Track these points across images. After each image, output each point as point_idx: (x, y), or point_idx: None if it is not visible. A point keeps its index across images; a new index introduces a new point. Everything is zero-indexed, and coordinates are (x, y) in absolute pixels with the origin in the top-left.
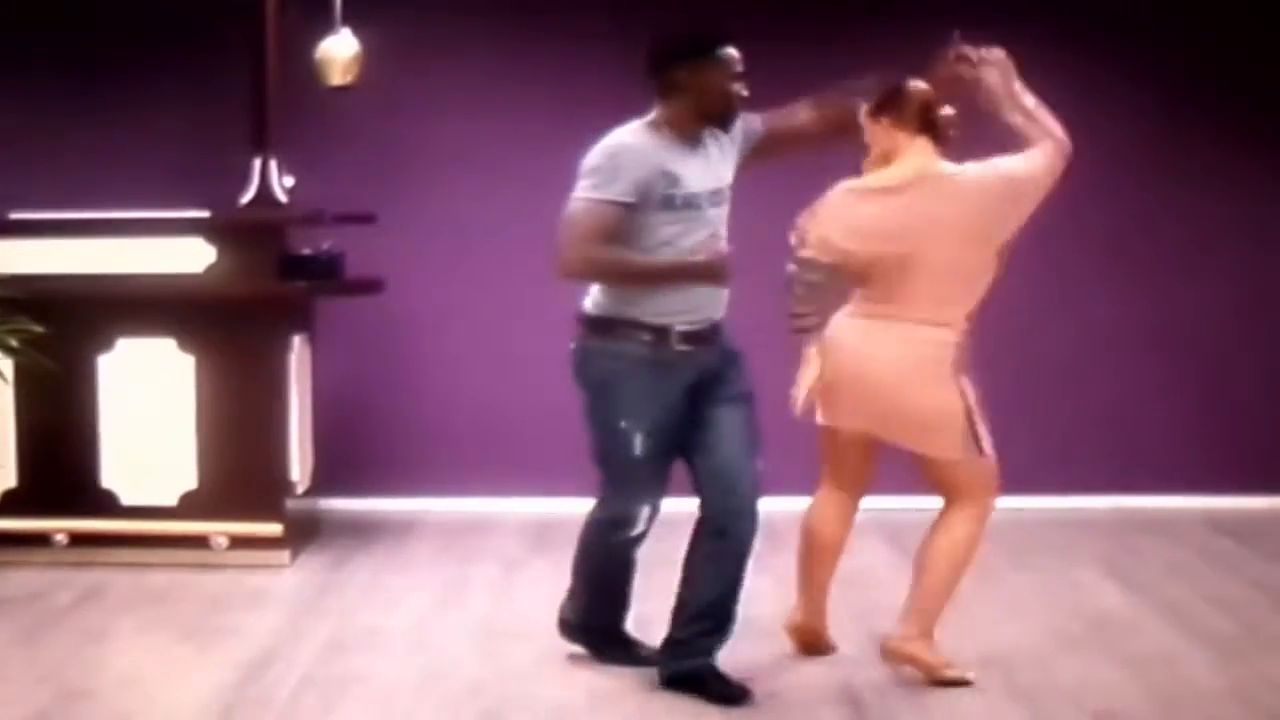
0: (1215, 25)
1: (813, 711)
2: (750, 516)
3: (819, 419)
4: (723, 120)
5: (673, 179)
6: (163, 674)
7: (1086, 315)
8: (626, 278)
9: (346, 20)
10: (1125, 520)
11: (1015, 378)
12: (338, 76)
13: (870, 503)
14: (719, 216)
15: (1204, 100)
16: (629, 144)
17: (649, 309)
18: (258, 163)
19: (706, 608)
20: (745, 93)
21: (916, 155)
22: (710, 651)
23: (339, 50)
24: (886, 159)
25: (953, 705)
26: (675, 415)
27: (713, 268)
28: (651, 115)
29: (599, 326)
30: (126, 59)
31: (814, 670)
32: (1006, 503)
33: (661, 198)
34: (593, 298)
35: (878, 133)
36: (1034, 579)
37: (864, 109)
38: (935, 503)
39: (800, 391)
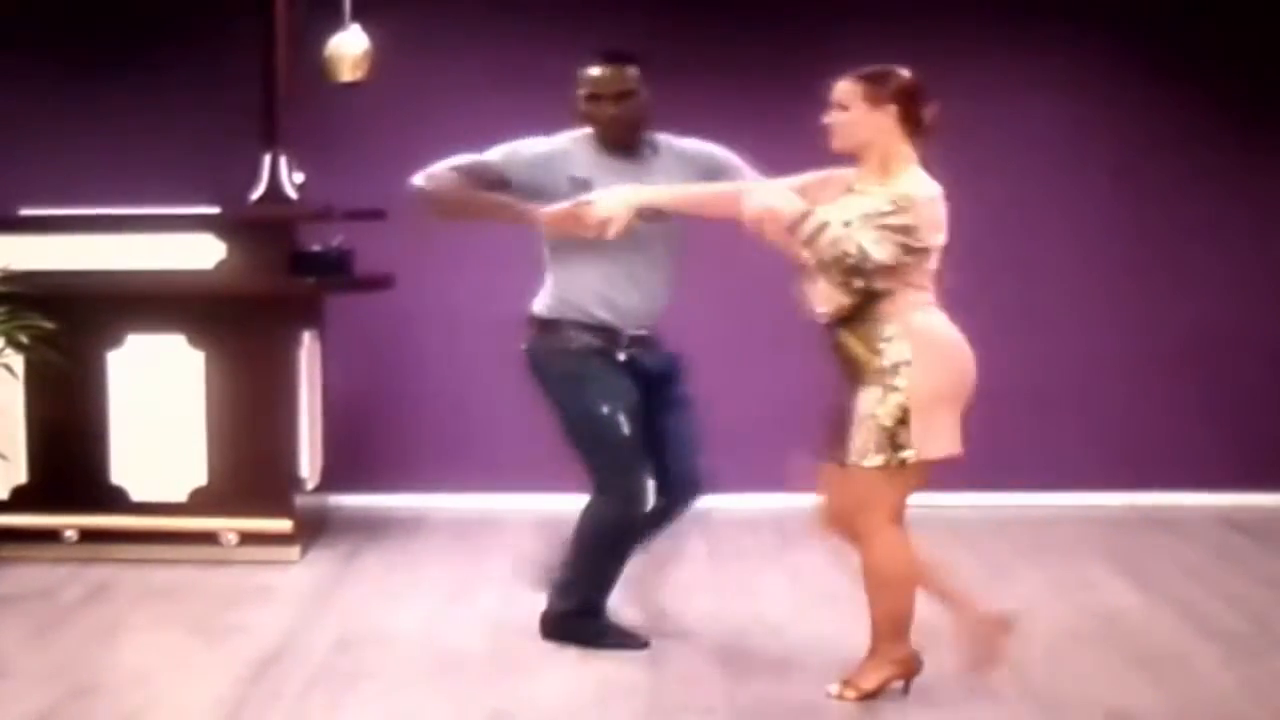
0: (1232, 30)
1: (822, 711)
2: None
3: (953, 447)
4: (607, 140)
5: (581, 185)
6: (172, 670)
7: (1100, 313)
8: (464, 203)
9: (356, 16)
10: (1138, 518)
11: (1028, 376)
12: (347, 73)
13: None
14: (652, 231)
15: (1217, 100)
16: (547, 143)
17: (596, 313)
18: (268, 159)
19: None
20: (612, 111)
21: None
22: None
23: (349, 46)
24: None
25: (964, 703)
26: (638, 403)
27: (552, 218)
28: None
29: (550, 327)
30: (136, 55)
31: (822, 669)
32: (1019, 500)
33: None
34: (543, 300)
35: (875, 121)
36: (1046, 577)
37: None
38: (944, 498)
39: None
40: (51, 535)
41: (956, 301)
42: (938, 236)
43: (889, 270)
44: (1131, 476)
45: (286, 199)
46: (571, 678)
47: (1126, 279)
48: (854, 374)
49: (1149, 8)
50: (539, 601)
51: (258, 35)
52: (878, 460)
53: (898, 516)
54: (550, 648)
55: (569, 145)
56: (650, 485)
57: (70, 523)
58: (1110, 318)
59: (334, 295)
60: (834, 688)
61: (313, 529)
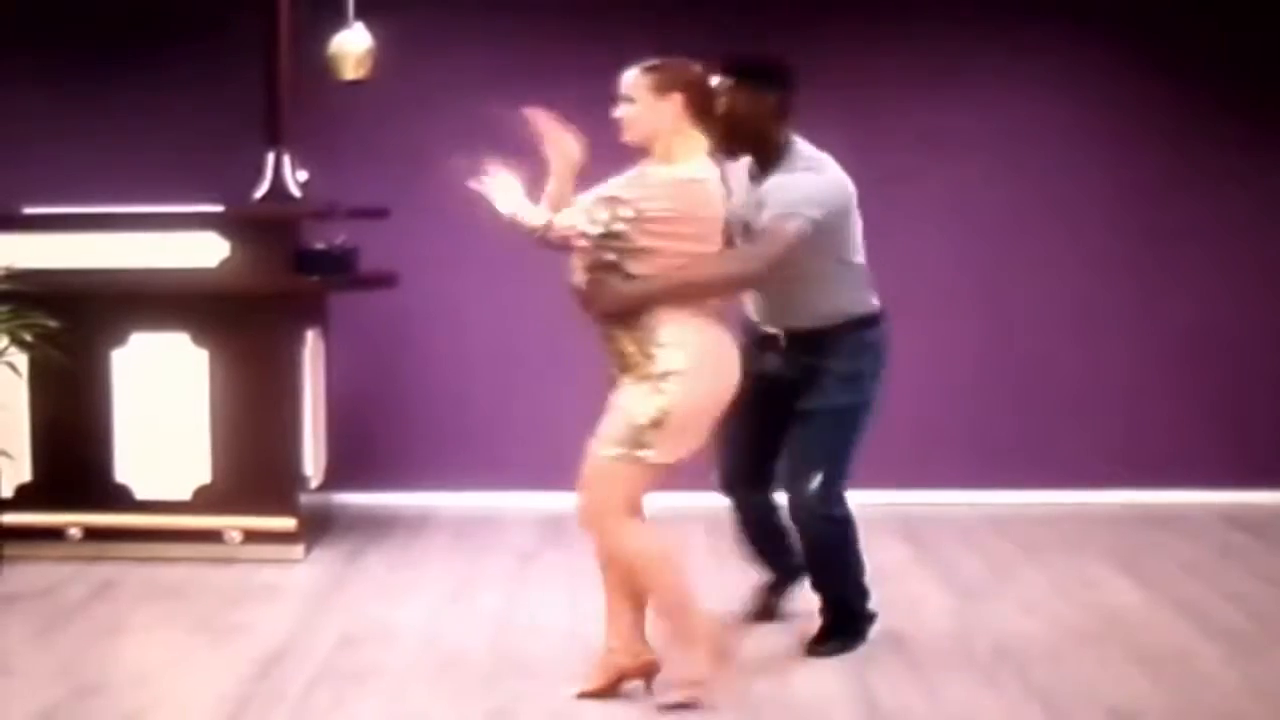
0: (1232, 28)
1: (826, 707)
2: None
3: (678, 455)
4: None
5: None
6: (176, 668)
7: (1101, 312)
8: None
9: (359, 15)
10: (1140, 516)
11: (1028, 375)
12: (351, 71)
13: (882, 497)
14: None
15: (1216, 99)
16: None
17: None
18: (271, 157)
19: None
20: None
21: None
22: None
23: (352, 45)
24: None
25: (967, 701)
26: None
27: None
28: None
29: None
30: (140, 54)
31: (828, 666)
32: (1021, 498)
33: None
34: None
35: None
36: (1048, 574)
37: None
38: (947, 496)
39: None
40: (56, 533)
41: (956, 301)
42: (694, 223)
43: (647, 257)
44: (1132, 475)
45: (290, 197)
46: (574, 677)
47: (1126, 278)
48: (622, 369)
49: (1149, 7)
50: (540, 600)
51: (261, 33)
52: (615, 451)
53: (636, 507)
54: (553, 645)
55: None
56: (718, 477)
57: (74, 521)
58: (1111, 316)
59: (338, 293)
60: (676, 695)
61: (316, 527)
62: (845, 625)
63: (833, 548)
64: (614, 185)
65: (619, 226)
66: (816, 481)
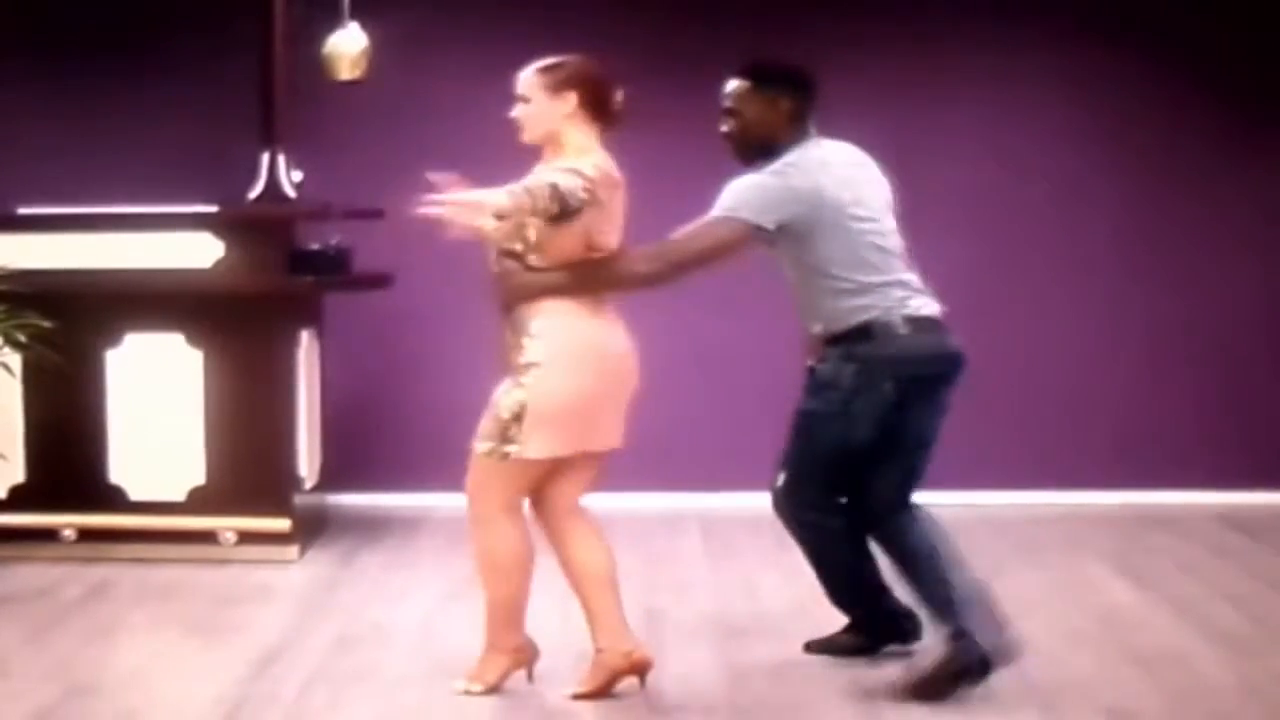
0: (1234, 28)
1: (824, 710)
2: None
3: (555, 450)
4: None
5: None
6: (170, 669)
7: (1098, 311)
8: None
9: (354, 15)
10: (1137, 516)
11: (1026, 375)
12: (346, 71)
13: None
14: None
15: (1216, 98)
16: None
17: None
18: (266, 157)
19: None
20: (721, 128)
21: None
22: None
23: (347, 45)
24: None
25: (965, 702)
26: None
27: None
28: None
29: None
30: (135, 54)
31: (827, 669)
32: (1018, 499)
33: None
34: None
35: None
36: (1045, 575)
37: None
38: (944, 497)
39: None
40: (50, 534)
41: (956, 301)
42: (611, 218)
43: (561, 256)
44: (1129, 475)
45: (285, 197)
46: (570, 678)
47: (1123, 278)
48: (504, 360)
49: (1153, 7)
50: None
51: (256, 34)
52: (485, 447)
53: (511, 506)
54: (547, 647)
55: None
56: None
57: (68, 522)
58: (1108, 316)
59: (332, 294)
60: (460, 683)
61: (311, 528)
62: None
63: (823, 555)
64: (567, 169)
65: (581, 198)
66: (780, 479)
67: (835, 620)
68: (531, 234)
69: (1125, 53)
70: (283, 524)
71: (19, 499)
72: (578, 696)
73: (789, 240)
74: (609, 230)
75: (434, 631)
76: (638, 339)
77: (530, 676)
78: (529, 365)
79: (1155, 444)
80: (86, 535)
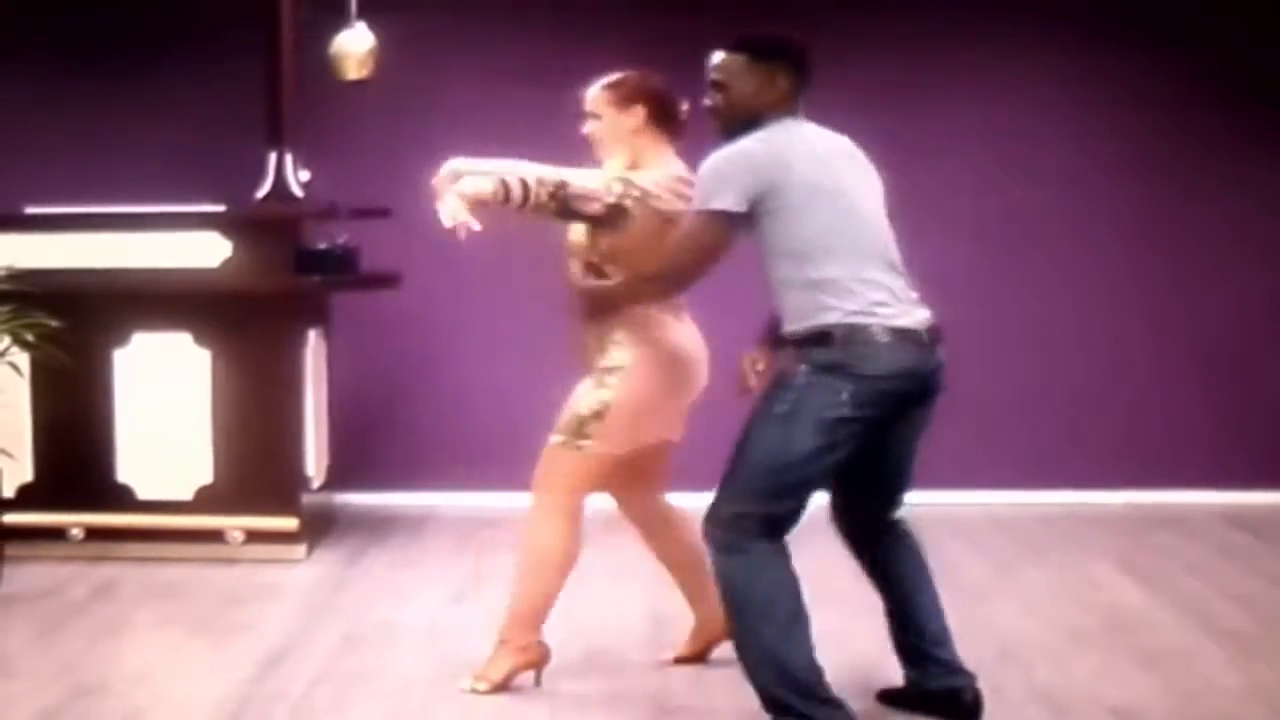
0: (1240, 29)
1: None
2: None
3: (624, 445)
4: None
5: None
6: (177, 668)
7: (1102, 311)
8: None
9: (362, 14)
10: (1142, 516)
11: (1030, 375)
12: (353, 71)
13: None
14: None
15: (1222, 100)
16: None
17: None
18: (273, 157)
19: None
20: (705, 102)
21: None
22: None
23: (354, 44)
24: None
25: None
26: None
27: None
28: None
29: None
30: (141, 54)
31: (829, 665)
32: (1022, 498)
33: None
34: None
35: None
36: (1051, 574)
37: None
38: (949, 496)
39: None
40: (57, 533)
41: (961, 302)
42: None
43: (633, 264)
44: (1134, 475)
45: (292, 197)
46: (577, 678)
47: (1128, 278)
48: (583, 363)
49: (1158, 8)
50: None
51: (263, 33)
52: (559, 439)
53: (572, 503)
54: (556, 646)
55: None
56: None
57: (76, 521)
58: (1112, 316)
59: (339, 293)
60: (466, 682)
61: (318, 527)
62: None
63: (729, 588)
64: (620, 175)
65: (628, 203)
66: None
67: (838, 622)
68: (603, 244)
69: (1131, 52)
70: (290, 523)
71: (27, 498)
72: (679, 660)
73: (762, 221)
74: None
75: (441, 631)
76: None
77: (538, 679)
78: (614, 369)
79: (1160, 443)
80: (94, 534)
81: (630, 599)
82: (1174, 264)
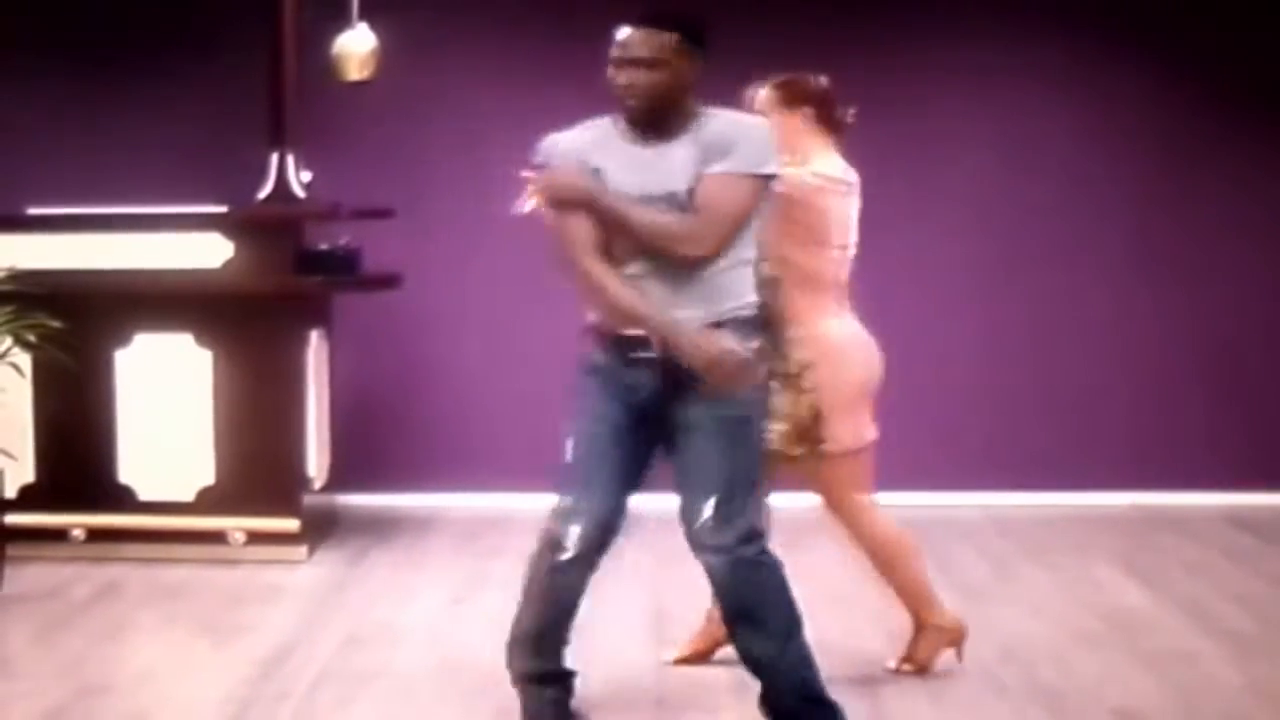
0: (1244, 29)
1: None
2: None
3: (861, 438)
4: (625, 117)
5: (596, 177)
6: (180, 669)
7: (1106, 313)
8: (612, 310)
9: (363, 15)
10: (1145, 517)
11: (1033, 376)
12: (355, 72)
13: (887, 499)
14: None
15: (1226, 99)
16: (579, 130)
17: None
18: (275, 158)
19: None
20: (622, 80)
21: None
22: None
23: (356, 45)
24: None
25: (973, 701)
26: (610, 427)
27: (699, 360)
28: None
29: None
30: (143, 54)
31: (830, 670)
32: (1025, 500)
33: None
34: None
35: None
36: (1054, 576)
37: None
38: (952, 498)
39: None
40: (59, 534)
41: (963, 302)
42: (824, 215)
43: (778, 257)
44: (1138, 476)
45: (294, 198)
46: (579, 678)
47: (1132, 278)
48: (770, 372)
49: (1162, 8)
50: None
51: (265, 34)
52: (798, 452)
53: (863, 500)
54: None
55: (598, 130)
56: (575, 534)
57: (78, 522)
58: (1117, 317)
59: (341, 294)
60: (892, 662)
61: (320, 528)
62: None
63: (761, 601)
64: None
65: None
66: (710, 509)
67: (843, 622)
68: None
69: (1134, 50)
70: (292, 524)
71: (29, 499)
72: (899, 669)
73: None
74: (833, 232)
75: (443, 632)
76: None
77: (960, 656)
78: (801, 369)
79: (1164, 445)
80: (96, 535)
81: (632, 599)
82: (1179, 266)
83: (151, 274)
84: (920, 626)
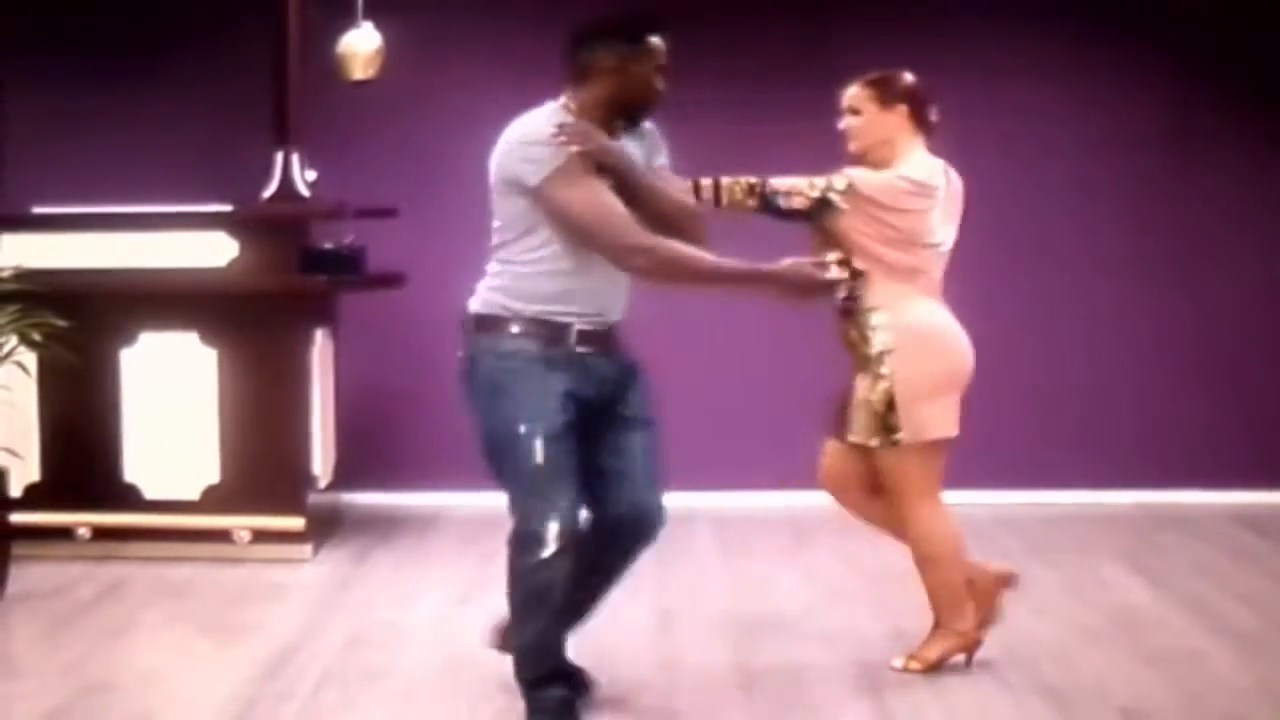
0: (1245, 27)
1: (838, 706)
2: (649, 541)
3: (935, 431)
4: (637, 113)
5: None
6: (184, 668)
7: (1111, 311)
8: (696, 275)
9: (368, 15)
10: (1150, 516)
11: (1038, 374)
12: (359, 71)
13: None
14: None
15: (1226, 98)
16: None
17: (546, 305)
18: (280, 157)
19: None
20: (662, 87)
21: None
22: None
23: (361, 45)
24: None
25: (978, 700)
26: (572, 420)
27: (797, 281)
28: (561, 99)
29: (488, 325)
30: (149, 54)
31: (839, 665)
32: (1032, 498)
33: None
34: (480, 295)
35: (887, 121)
36: (1059, 574)
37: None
38: (957, 497)
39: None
40: (64, 533)
41: (967, 301)
42: (913, 217)
43: (869, 254)
44: (1142, 475)
45: (299, 197)
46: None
47: (1137, 277)
48: (855, 360)
49: (1164, 8)
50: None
51: (270, 33)
52: (874, 442)
53: (928, 492)
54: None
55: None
56: (555, 530)
57: (83, 520)
58: (1121, 316)
59: (346, 293)
60: (898, 661)
61: (325, 527)
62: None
63: None
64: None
65: (833, 196)
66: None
67: (850, 619)
68: (818, 236)
69: (1137, 49)
70: (296, 523)
71: (34, 498)
72: (906, 667)
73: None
74: (927, 232)
75: (447, 631)
76: (651, 341)
77: (969, 662)
78: (882, 354)
79: (1168, 444)
80: (101, 534)
81: (635, 599)
82: (1183, 265)
83: (156, 273)
84: (938, 626)
